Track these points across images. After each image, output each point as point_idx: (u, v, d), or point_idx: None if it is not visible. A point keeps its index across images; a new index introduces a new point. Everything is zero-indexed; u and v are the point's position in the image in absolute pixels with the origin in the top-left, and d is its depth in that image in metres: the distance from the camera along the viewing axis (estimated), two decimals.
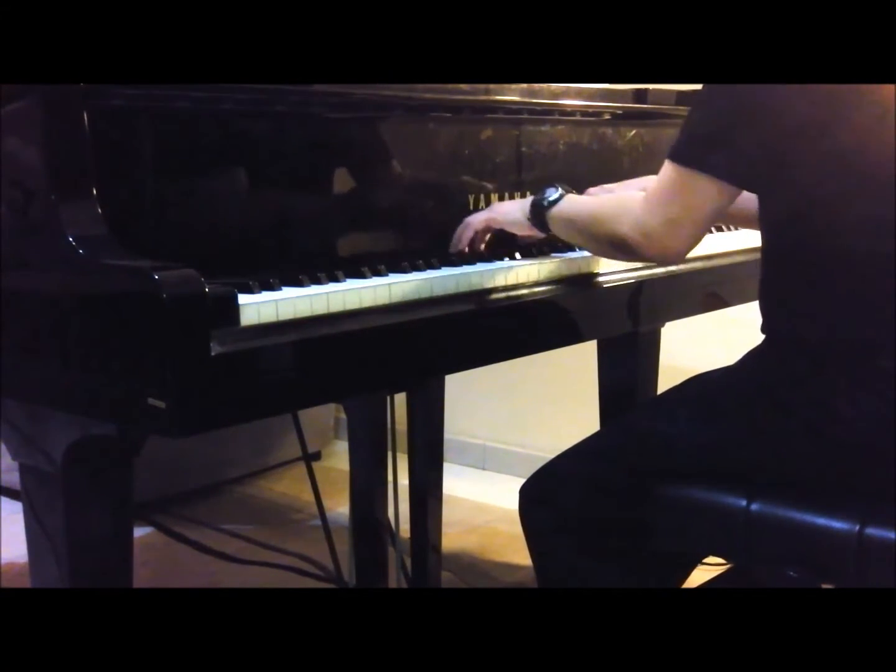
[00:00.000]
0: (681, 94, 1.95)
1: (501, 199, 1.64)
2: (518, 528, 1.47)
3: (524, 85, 1.66)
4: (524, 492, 1.47)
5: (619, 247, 1.36)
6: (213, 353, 1.07)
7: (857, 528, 1.27)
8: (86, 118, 1.16)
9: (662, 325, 2.03)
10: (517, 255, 1.56)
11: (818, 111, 1.24)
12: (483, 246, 1.55)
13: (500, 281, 1.45)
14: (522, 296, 1.47)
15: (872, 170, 1.26)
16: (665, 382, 1.67)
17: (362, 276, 1.33)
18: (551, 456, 1.49)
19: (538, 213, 1.49)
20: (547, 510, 1.44)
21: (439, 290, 1.37)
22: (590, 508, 1.41)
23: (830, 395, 1.30)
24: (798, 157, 1.26)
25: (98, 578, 1.29)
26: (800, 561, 1.32)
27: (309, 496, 2.15)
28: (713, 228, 1.87)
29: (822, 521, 1.29)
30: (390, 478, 1.89)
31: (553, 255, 1.59)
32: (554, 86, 1.71)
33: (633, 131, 1.88)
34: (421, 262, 1.42)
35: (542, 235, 1.54)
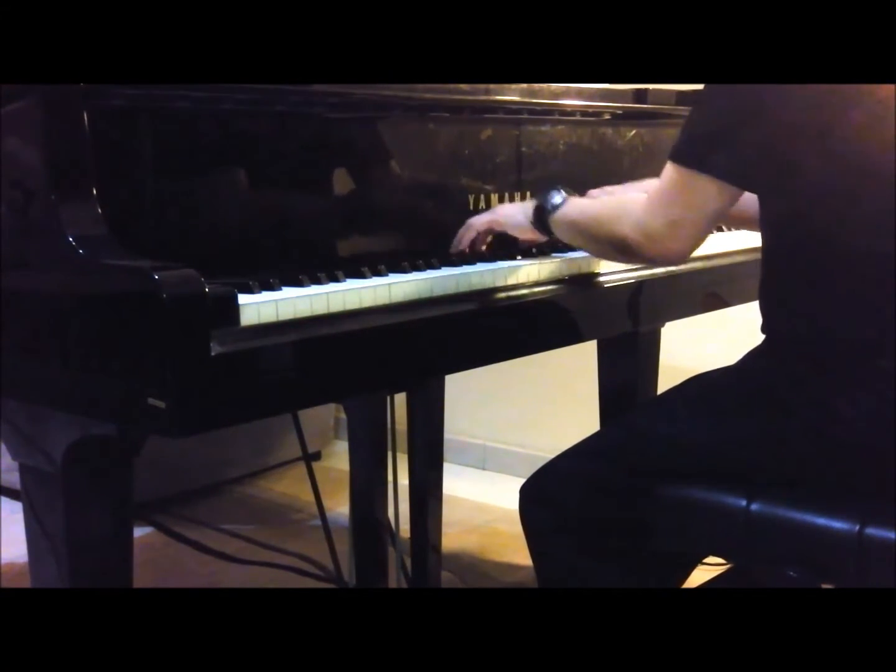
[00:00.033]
0: (681, 94, 1.95)
1: (501, 198, 1.64)
2: (518, 528, 1.47)
3: (524, 85, 1.66)
4: (524, 492, 1.47)
5: (620, 248, 1.36)
6: (213, 353, 1.07)
7: (857, 528, 1.27)
8: (86, 118, 1.16)
9: (662, 325, 2.03)
10: (517, 256, 1.56)
11: (819, 111, 1.24)
12: (484, 247, 1.56)
13: (500, 281, 1.45)
14: (522, 296, 1.47)
15: (873, 170, 1.26)
16: (665, 382, 1.67)
17: (362, 276, 1.33)
18: (551, 456, 1.48)
19: (541, 218, 1.49)
20: (547, 510, 1.44)
21: (439, 291, 1.36)
22: (590, 508, 1.41)
23: (830, 395, 1.30)
24: (798, 157, 1.26)
25: (98, 578, 1.29)
26: (800, 561, 1.32)
27: (309, 496, 2.15)
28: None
29: (822, 521, 1.29)
30: (390, 478, 1.89)
31: (553, 254, 1.59)
32: (554, 86, 1.71)
33: (633, 131, 1.88)
34: (421, 262, 1.42)
35: (544, 239, 1.54)
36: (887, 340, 1.28)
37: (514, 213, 1.54)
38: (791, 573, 1.32)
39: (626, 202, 1.41)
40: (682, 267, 1.69)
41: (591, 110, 1.79)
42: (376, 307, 1.28)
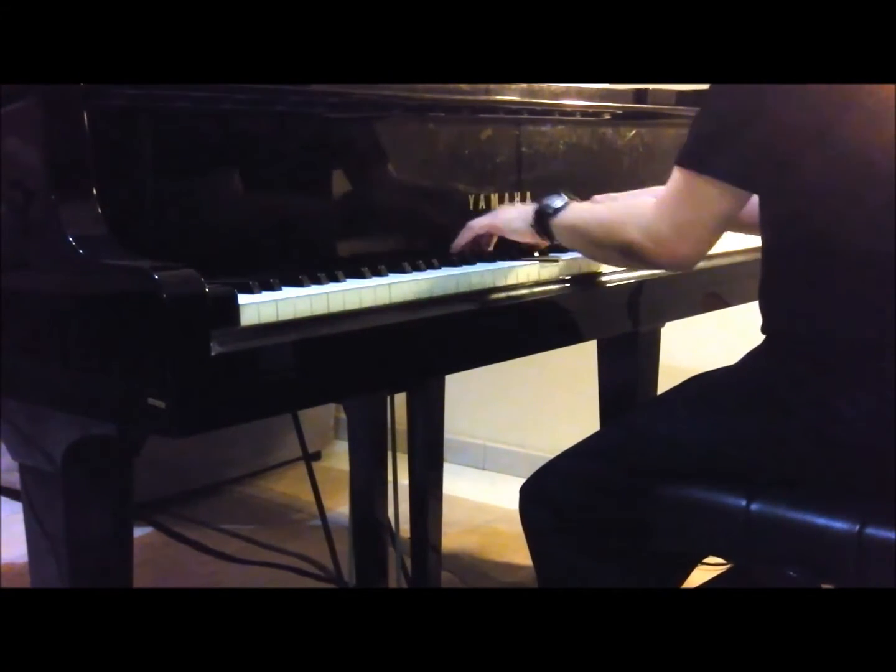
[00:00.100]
0: (681, 94, 1.95)
1: (501, 199, 1.64)
2: (518, 528, 1.47)
3: (524, 85, 1.66)
4: (524, 491, 1.47)
5: (627, 253, 1.35)
6: (213, 354, 1.07)
7: (857, 528, 1.27)
8: (86, 118, 1.16)
9: (662, 325, 2.03)
10: (517, 256, 1.56)
11: (819, 112, 1.24)
12: (490, 248, 1.55)
13: (500, 281, 1.45)
14: (522, 296, 1.47)
15: (874, 170, 1.26)
16: (665, 382, 1.67)
17: (362, 276, 1.33)
18: (551, 456, 1.48)
19: (542, 222, 1.47)
20: (547, 510, 1.44)
21: (439, 291, 1.36)
22: (590, 508, 1.41)
23: (830, 396, 1.30)
24: (799, 157, 1.26)
25: (98, 578, 1.29)
26: (800, 561, 1.32)
27: (309, 496, 2.15)
28: None
29: (822, 521, 1.29)
30: (390, 478, 1.89)
31: (553, 255, 1.59)
32: (554, 86, 1.71)
33: (633, 131, 1.88)
34: (421, 262, 1.42)
35: (544, 243, 1.53)
36: (887, 341, 1.28)
37: (513, 218, 1.52)
38: (791, 573, 1.32)
39: (633, 207, 1.41)
40: None
41: (591, 110, 1.79)
42: (376, 307, 1.28)
